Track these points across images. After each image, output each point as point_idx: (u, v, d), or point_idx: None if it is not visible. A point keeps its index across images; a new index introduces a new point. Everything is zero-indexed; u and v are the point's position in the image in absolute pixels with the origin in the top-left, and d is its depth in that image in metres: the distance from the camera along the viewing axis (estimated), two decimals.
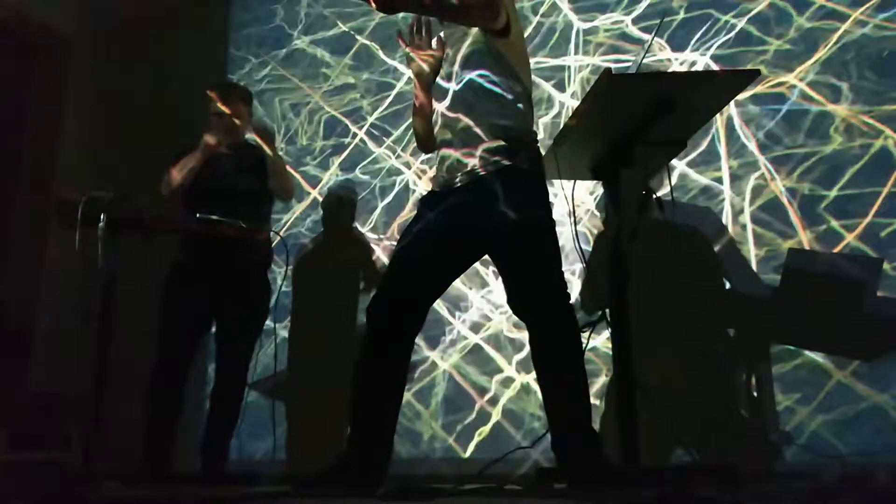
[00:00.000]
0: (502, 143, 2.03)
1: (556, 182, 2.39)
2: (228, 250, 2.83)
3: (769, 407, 2.68)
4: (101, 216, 2.34)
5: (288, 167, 3.23)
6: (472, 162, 2.04)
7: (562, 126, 2.07)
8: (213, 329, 3.03)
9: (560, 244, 2.03)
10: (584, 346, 1.99)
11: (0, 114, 3.94)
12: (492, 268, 3.17)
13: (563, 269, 2.02)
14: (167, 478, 2.74)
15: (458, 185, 2.07)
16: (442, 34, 2.25)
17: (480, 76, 2.08)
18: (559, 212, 2.21)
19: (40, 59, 4.18)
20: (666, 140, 1.95)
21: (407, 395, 2.38)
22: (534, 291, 1.99)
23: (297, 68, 4.22)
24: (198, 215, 2.70)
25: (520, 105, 2.09)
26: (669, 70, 3.26)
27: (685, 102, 1.80)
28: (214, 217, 2.72)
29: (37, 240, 3.87)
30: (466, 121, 2.07)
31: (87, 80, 4.26)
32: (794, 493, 1.52)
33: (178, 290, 2.92)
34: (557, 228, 2.04)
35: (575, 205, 2.26)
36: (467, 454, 3.31)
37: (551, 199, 2.08)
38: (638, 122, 1.87)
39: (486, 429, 3.36)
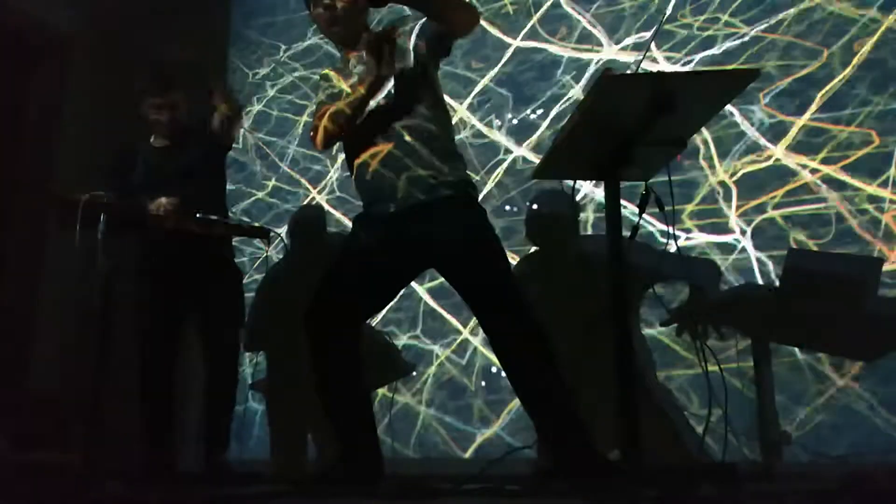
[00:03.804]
0: (442, 168, 2.07)
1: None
2: (196, 245, 2.78)
3: (769, 407, 2.67)
4: (101, 216, 2.34)
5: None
6: (411, 186, 2.05)
7: (562, 126, 2.07)
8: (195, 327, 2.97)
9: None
10: (547, 349, 2.01)
11: (0, 114, 3.94)
12: None
13: None
14: (167, 478, 2.74)
15: (398, 208, 2.07)
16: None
17: (418, 100, 2.10)
18: None
19: (40, 59, 4.18)
20: (666, 140, 1.94)
21: None
22: (485, 304, 2.05)
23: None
24: (197, 215, 2.70)
25: (448, 129, 2.16)
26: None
27: (685, 102, 1.80)
28: (213, 217, 2.72)
29: (37, 240, 3.87)
30: (403, 148, 2.06)
31: (87, 80, 4.26)
32: (794, 493, 1.53)
33: (149, 289, 2.88)
34: None
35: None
36: None
37: None
38: (638, 122, 1.87)
39: None
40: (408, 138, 2.07)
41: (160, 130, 2.99)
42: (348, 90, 2.16)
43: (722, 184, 3.33)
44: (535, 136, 3.96)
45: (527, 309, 2.03)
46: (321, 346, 2.12)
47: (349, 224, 4.08)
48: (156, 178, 2.86)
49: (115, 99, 4.22)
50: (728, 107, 2.86)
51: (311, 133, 2.21)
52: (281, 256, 3.50)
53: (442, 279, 2.19)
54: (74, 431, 3.31)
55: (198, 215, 2.70)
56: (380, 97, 2.11)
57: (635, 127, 1.90)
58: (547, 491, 1.92)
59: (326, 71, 2.31)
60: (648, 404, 2.62)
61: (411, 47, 2.12)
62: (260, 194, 4.53)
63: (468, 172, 2.18)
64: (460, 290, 2.12)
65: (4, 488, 2.16)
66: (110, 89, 4.26)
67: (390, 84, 2.11)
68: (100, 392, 2.29)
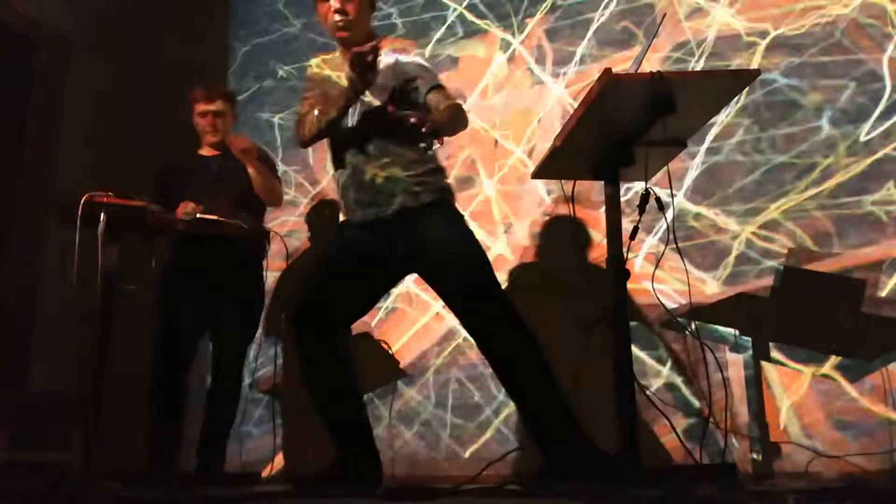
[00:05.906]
0: (424, 176, 2.15)
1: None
2: (222, 246, 2.82)
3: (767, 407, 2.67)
4: (101, 216, 2.34)
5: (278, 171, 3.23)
6: (396, 193, 2.12)
7: (562, 126, 2.07)
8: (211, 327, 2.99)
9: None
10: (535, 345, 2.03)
11: (0, 114, 3.94)
12: None
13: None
14: (167, 478, 2.74)
15: (382, 213, 2.13)
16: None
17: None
18: None
19: (40, 59, 4.18)
20: (666, 140, 1.94)
21: None
22: (468, 307, 2.09)
23: None
24: (198, 215, 2.71)
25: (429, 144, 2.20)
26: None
27: (685, 102, 1.80)
28: (214, 217, 2.72)
29: (37, 240, 3.87)
30: (387, 158, 2.14)
31: (87, 80, 4.26)
32: (794, 493, 1.53)
33: (174, 290, 2.91)
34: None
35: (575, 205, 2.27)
36: None
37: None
38: (638, 122, 1.87)
39: None
40: (393, 148, 2.13)
41: (207, 139, 3.06)
42: (335, 78, 2.24)
43: None
44: None
45: (509, 307, 2.06)
46: (308, 349, 2.17)
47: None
48: (201, 186, 2.89)
49: (115, 99, 4.23)
50: None
51: (296, 128, 2.28)
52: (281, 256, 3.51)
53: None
54: (74, 431, 3.31)
55: (198, 215, 2.70)
56: (366, 106, 2.16)
57: (635, 127, 1.90)
58: (547, 491, 1.92)
59: (316, 61, 2.38)
60: None
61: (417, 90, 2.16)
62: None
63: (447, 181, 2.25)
64: (442, 292, 2.17)
65: (4, 488, 2.16)
66: (110, 89, 4.26)
67: (378, 96, 2.15)
68: (100, 392, 2.29)
